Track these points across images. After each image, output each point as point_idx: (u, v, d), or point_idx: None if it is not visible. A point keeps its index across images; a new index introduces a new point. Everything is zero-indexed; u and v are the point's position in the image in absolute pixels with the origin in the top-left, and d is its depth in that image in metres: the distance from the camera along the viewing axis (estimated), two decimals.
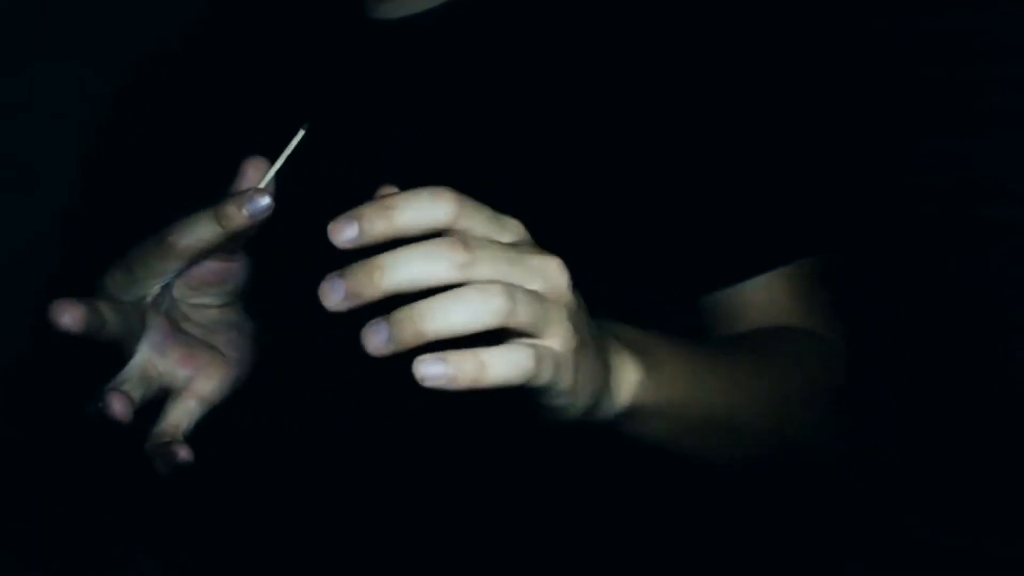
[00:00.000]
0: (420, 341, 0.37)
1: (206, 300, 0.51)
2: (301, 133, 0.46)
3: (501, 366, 0.38)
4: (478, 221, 0.39)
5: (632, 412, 0.47)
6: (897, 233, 1.21)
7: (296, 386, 0.65)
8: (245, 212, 0.43)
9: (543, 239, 0.42)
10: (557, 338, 0.40)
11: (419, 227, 0.38)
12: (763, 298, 0.63)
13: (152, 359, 0.48)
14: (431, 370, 0.37)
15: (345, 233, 0.38)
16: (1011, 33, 1.11)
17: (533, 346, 0.39)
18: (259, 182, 0.46)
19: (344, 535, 0.65)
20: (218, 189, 0.47)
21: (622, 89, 0.62)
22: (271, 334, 0.55)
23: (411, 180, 0.61)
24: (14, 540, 0.83)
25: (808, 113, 0.69)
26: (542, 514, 0.66)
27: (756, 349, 0.61)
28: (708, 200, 0.63)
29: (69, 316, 0.43)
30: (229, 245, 0.47)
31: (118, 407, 0.45)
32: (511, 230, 0.41)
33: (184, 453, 0.47)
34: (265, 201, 0.43)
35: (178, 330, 0.50)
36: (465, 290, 0.37)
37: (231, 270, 0.50)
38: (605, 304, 0.46)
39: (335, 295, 0.38)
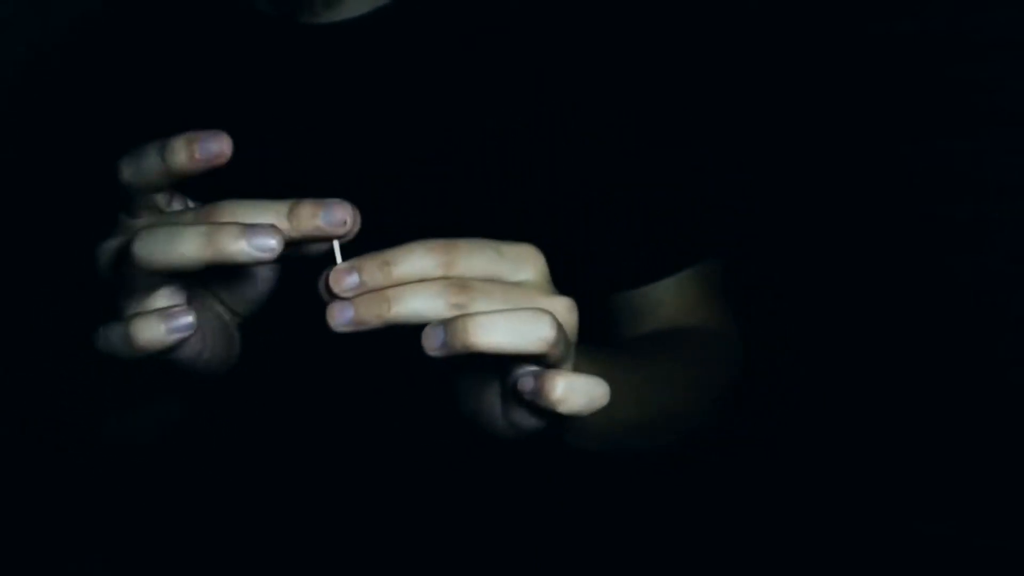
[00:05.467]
0: (469, 351, 0.39)
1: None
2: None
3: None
4: (479, 263, 0.41)
5: (580, 424, 0.49)
6: (895, 233, 1.21)
7: (286, 387, 0.65)
8: (196, 151, 0.40)
9: (468, 235, 0.43)
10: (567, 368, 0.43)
11: (415, 277, 0.40)
12: (671, 298, 0.67)
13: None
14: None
15: (346, 282, 0.40)
16: (1010, 33, 1.11)
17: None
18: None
19: (334, 535, 0.66)
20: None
21: (555, 91, 0.64)
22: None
23: (350, 182, 0.62)
24: None
25: (737, 124, 0.71)
26: (536, 514, 0.66)
27: (669, 350, 0.64)
28: (627, 203, 0.66)
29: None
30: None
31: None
32: (527, 264, 0.42)
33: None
34: (217, 143, 0.40)
35: None
36: (521, 312, 0.39)
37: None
38: None
39: (342, 319, 0.40)
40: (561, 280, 0.44)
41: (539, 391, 0.40)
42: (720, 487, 1.23)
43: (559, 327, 0.40)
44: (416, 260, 0.40)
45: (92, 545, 0.85)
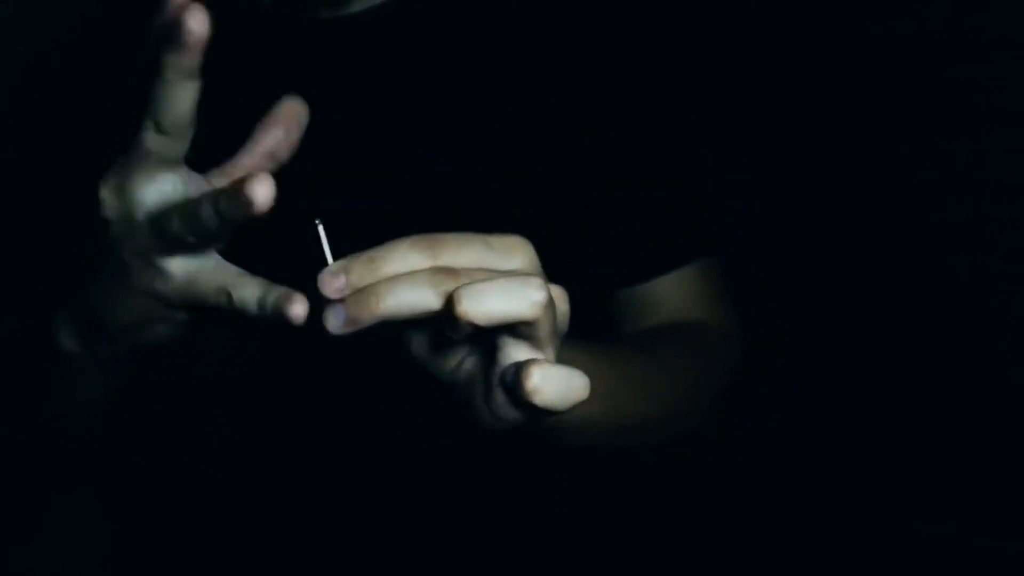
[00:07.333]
0: (461, 321, 0.39)
1: None
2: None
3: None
4: (467, 255, 0.41)
5: (575, 423, 0.49)
6: (895, 233, 1.21)
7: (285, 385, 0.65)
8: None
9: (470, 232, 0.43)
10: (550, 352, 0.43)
11: (403, 272, 0.41)
12: (673, 296, 0.67)
13: None
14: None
15: (335, 284, 0.41)
16: (1010, 33, 1.11)
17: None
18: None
19: (331, 534, 0.66)
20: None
21: (557, 89, 0.64)
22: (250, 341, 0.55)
23: (350, 178, 0.62)
24: None
25: (737, 121, 0.72)
26: (536, 514, 0.66)
27: (670, 347, 0.64)
28: (628, 201, 0.65)
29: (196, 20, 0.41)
30: None
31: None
32: (516, 253, 0.42)
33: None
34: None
35: None
36: (509, 279, 0.40)
37: None
38: None
39: (337, 320, 0.41)
40: (563, 278, 0.44)
41: (516, 381, 0.40)
42: (719, 487, 1.23)
43: (548, 292, 0.40)
44: (403, 255, 0.41)
45: (89, 544, 0.85)
